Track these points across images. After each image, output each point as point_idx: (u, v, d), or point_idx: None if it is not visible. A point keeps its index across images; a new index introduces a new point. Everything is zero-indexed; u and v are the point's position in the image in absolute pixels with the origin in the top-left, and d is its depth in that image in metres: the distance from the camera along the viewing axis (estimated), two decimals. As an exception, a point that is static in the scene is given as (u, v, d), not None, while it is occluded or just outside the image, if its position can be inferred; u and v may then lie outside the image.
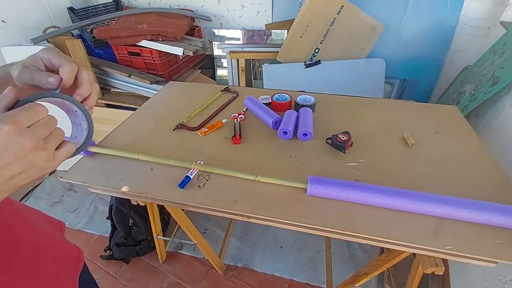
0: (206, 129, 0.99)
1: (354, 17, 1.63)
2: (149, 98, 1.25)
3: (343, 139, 0.85)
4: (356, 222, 0.64)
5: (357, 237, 0.62)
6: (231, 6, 2.08)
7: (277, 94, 1.12)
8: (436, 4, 1.58)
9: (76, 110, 0.38)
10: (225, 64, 2.24)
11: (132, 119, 1.09)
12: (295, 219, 0.66)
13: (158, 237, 1.17)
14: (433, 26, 1.62)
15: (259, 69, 1.87)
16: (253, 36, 2.06)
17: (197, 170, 0.81)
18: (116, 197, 1.19)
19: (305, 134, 0.88)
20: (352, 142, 0.86)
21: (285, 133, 0.89)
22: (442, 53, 1.68)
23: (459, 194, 0.69)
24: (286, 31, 1.95)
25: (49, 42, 1.71)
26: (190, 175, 0.79)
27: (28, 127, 0.27)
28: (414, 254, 0.75)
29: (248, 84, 2.19)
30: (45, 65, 0.37)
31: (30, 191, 1.88)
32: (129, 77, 1.72)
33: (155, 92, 1.45)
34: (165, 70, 1.81)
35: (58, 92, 0.36)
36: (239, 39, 2.13)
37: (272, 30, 2.00)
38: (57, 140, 0.31)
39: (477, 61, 1.41)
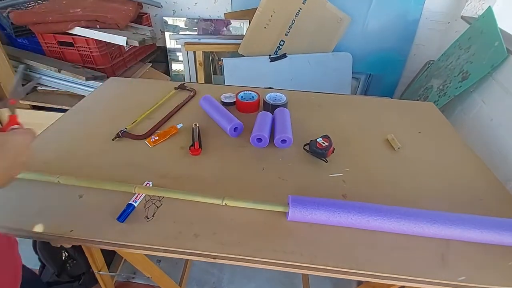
0: (157, 137, 0.79)
1: (320, 7, 1.52)
2: (82, 98, 0.99)
3: (323, 145, 0.72)
4: (353, 254, 0.51)
5: (356, 275, 0.49)
6: (185, -9, 1.85)
7: (243, 92, 0.96)
8: (401, -4, 1.55)
9: None
10: (180, 58, 2.00)
11: (57, 126, 0.84)
12: (275, 256, 0.51)
13: (101, 272, 0.93)
14: (398, 19, 1.59)
15: (220, 63, 1.68)
16: (211, 25, 1.86)
17: (143, 195, 0.62)
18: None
19: (283, 141, 0.73)
20: (333, 148, 0.74)
21: (259, 140, 0.73)
22: (406, 47, 1.67)
23: (458, 206, 0.61)
24: (248, 21, 1.78)
25: None
26: (133, 203, 0.60)
27: None
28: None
29: (208, 80, 1.99)
30: None
31: None
32: (59, 72, 1.40)
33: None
34: (107, 64, 1.52)
35: None
36: (194, 30, 1.91)
37: (231, 20, 1.82)
38: None
39: (441, 55, 1.41)
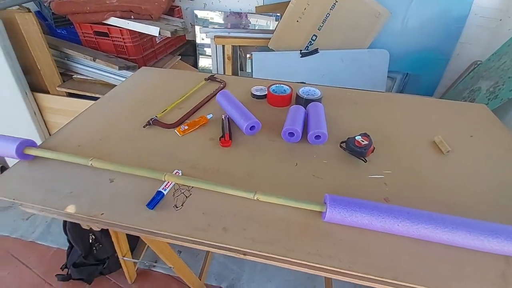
0: (186, 127, 0.77)
1: (357, 0, 1.44)
2: (115, 85, 1.01)
3: (362, 143, 0.67)
4: (398, 264, 0.46)
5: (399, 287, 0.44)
6: (216, -16, 1.84)
7: (275, 85, 0.92)
8: (448, -11, 1.43)
9: None
10: (208, 52, 1.99)
11: (90, 112, 0.85)
12: (310, 258, 0.47)
13: (125, 258, 0.94)
14: (443, 15, 1.47)
15: (249, 57, 1.65)
16: (239, 19, 1.83)
17: (173, 184, 0.61)
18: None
19: (317, 137, 0.69)
20: (373, 148, 0.68)
21: (291, 134, 0.69)
22: (450, 45, 1.54)
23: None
24: (274, 18, 1.74)
25: (-6, 15, 1.39)
26: (163, 191, 0.58)
27: None
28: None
29: (235, 75, 1.97)
30: None
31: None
32: (94, 60, 1.44)
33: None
34: (139, 55, 1.54)
35: None
36: (223, 23, 1.89)
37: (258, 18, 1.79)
38: None
39: (492, 55, 1.28)
